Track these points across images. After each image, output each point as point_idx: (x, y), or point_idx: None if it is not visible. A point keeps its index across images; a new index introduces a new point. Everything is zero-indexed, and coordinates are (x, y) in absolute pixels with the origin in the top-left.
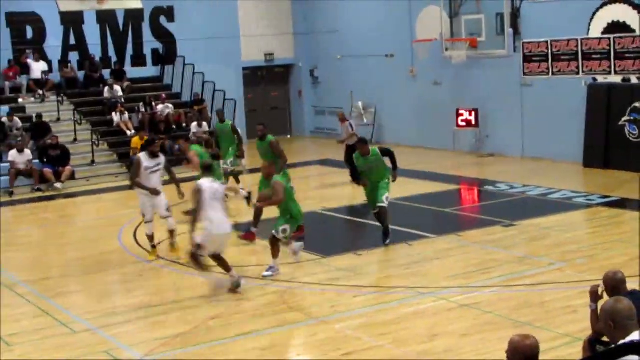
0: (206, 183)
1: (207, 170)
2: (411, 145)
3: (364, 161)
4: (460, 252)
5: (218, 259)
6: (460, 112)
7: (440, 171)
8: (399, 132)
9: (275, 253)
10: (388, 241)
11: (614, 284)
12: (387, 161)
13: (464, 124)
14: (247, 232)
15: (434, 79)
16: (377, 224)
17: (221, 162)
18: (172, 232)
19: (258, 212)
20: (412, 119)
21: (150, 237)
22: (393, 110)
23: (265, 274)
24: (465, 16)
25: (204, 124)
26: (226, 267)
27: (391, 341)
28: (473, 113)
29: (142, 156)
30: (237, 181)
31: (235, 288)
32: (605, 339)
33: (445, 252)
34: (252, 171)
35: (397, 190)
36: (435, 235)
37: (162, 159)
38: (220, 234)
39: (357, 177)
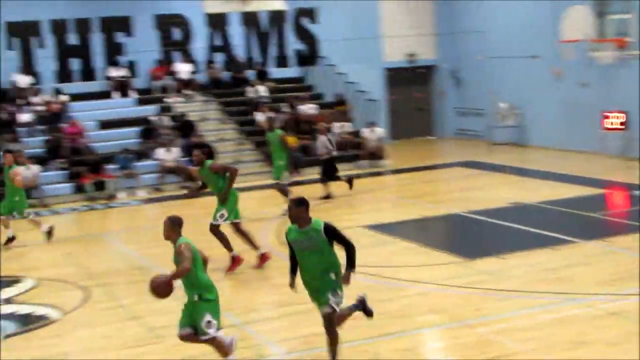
0: None
1: None
2: (556, 147)
3: (296, 235)
4: (607, 258)
5: None
6: (607, 114)
7: (587, 174)
8: (543, 134)
9: None
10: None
11: None
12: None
13: (611, 126)
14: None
15: (580, 80)
16: (522, 226)
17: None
18: None
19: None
20: (557, 121)
21: None
22: (538, 112)
23: None
24: (613, 15)
25: (347, 124)
26: None
27: (535, 347)
28: (621, 115)
29: None
30: (286, 195)
31: None
32: None
33: (592, 257)
34: (395, 172)
35: (541, 194)
36: (582, 240)
37: None
38: None
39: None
